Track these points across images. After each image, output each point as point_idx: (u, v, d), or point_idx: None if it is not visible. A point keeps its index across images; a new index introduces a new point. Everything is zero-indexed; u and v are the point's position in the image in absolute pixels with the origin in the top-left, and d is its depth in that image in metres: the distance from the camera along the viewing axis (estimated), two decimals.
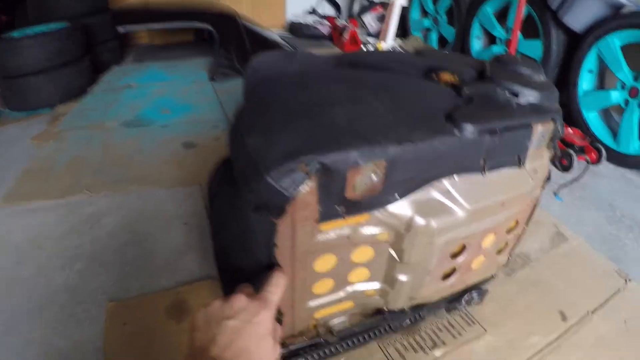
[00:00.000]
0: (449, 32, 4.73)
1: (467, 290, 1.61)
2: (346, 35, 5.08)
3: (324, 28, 5.58)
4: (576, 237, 2.23)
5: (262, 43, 4.19)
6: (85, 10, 4.18)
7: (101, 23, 4.33)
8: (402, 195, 1.08)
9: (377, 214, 1.09)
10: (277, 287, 1.00)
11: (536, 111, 1.23)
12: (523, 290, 1.87)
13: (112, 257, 2.04)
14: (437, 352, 1.59)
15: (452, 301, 1.62)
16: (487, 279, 1.66)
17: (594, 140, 3.05)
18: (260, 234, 1.02)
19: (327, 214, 1.01)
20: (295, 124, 1.03)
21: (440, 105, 1.17)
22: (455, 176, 1.15)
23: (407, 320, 1.56)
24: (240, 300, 0.91)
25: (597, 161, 2.89)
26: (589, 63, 3.22)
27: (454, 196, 1.15)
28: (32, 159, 2.89)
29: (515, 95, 1.24)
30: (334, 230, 1.07)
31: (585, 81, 3.28)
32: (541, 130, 1.24)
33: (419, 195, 1.11)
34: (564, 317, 1.76)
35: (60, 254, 2.07)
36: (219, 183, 1.25)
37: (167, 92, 3.95)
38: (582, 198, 2.68)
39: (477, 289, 1.63)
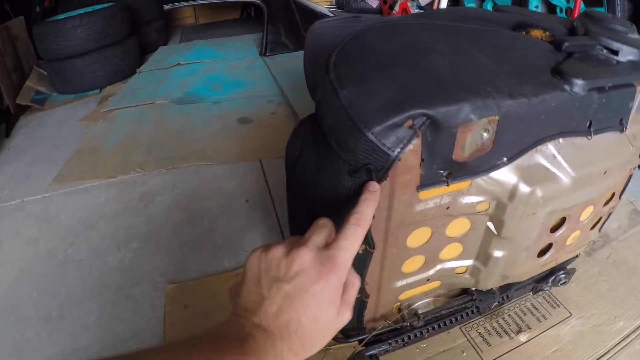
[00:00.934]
0: (505, 2, 4.52)
1: (554, 270, 1.50)
2: (397, 8, 4.96)
3: (373, 1, 5.45)
4: None
5: (312, 17, 4.10)
6: None
7: (146, 2, 4.30)
8: (510, 158, 0.97)
9: (480, 180, 0.98)
10: (352, 241, 0.77)
11: (638, 69, 1.10)
12: (605, 271, 1.75)
13: (168, 236, 1.98)
14: (522, 337, 1.48)
15: (540, 281, 1.51)
16: (571, 259, 1.55)
17: None
18: (354, 202, 0.91)
19: (429, 180, 0.91)
20: (395, 73, 0.92)
21: (543, 59, 1.06)
22: (560, 139, 1.03)
23: (496, 302, 1.46)
24: (302, 258, 0.72)
25: None
26: None
27: (559, 161, 1.04)
28: (82, 139, 2.87)
29: (615, 52, 1.11)
30: (433, 199, 0.97)
31: None
32: None
33: (523, 160, 1.00)
34: None
35: (114, 234, 2.02)
36: (303, 143, 1.14)
37: (217, 69, 3.89)
38: None
39: (563, 269, 1.52)
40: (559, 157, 1.04)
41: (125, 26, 3.84)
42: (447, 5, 4.64)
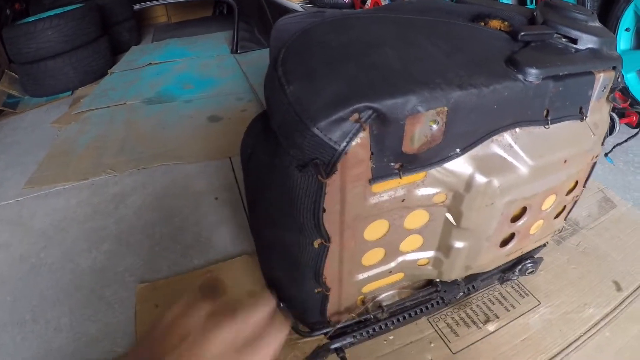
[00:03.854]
0: None
1: (521, 260, 1.50)
2: (369, 3, 4.96)
3: None
4: (624, 203, 2.11)
5: (284, 13, 4.10)
6: None
7: (117, 2, 4.28)
8: (464, 149, 0.97)
9: (435, 172, 0.98)
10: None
11: (597, 57, 1.10)
12: (574, 260, 1.75)
13: (139, 236, 1.98)
14: (491, 327, 1.48)
15: (506, 271, 1.51)
16: (539, 248, 1.56)
17: (634, 102, 2.92)
18: (305, 196, 0.90)
19: (381, 173, 0.90)
20: (341, 67, 0.91)
21: (497, 50, 1.05)
22: (517, 129, 1.03)
23: (461, 292, 1.46)
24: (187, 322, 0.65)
25: (638, 124, 2.75)
26: (626, 21, 3.05)
27: (516, 151, 1.04)
28: (53, 142, 2.85)
29: (574, 41, 1.12)
30: (387, 192, 0.96)
31: (623, 40, 3.11)
32: (603, 79, 1.12)
33: (479, 150, 1.00)
34: (618, 288, 1.64)
35: (85, 236, 2.02)
36: (254, 143, 1.14)
37: (189, 68, 3.89)
38: (626, 162, 2.56)
39: (530, 258, 1.52)
40: (515, 147, 1.04)
41: (96, 27, 3.82)
42: None
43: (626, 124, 2.70)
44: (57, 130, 3.03)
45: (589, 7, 3.19)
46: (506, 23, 1.23)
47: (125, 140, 2.77)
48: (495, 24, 1.24)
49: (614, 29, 3.10)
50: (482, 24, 1.25)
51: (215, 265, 1.77)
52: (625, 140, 2.51)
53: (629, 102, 2.83)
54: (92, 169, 2.49)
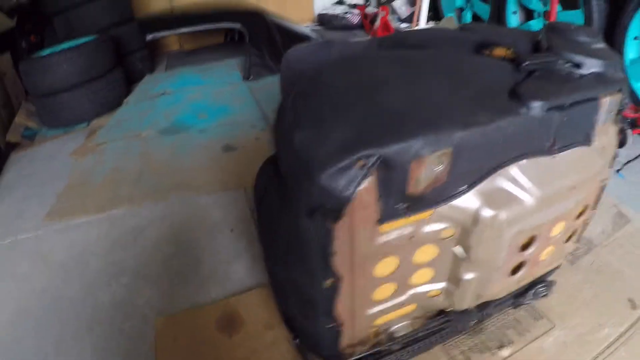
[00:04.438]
0: (483, 10, 4.56)
1: (533, 284, 1.51)
2: (378, 23, 4.99)
3: (354, 17, 5.50)
4: (638, 217, 2.10)
5: (293, 38, 4.13)
6: (111, 22, 4.17)
7: (129, 33, 4.32)
8: (470, 186, 0.99)
9: (441, 208, 0.99)
10: None
11: (602, 82, 1.11)
12: (588, 279, 1.76)
13: (157, 269, 2.00)
14: (505, 352, 1.49)
15: (518, 296, 1.52)
16: (553, 269, 1.56)
17: None
18: (315, 241, 0.93)
19: (388, 214, 0.93)
20: (347, 112, 0.94)
21: (501, 82, 1.07)
22: (523, 160, 1.05)
23: (473, 321, 1.46)
24: None
25: None
26: (634, 30, 3.05)
27: (522, 183, 1.06)
28: (71, 174, 2.88)
29: (578, 66, 1.12)
30: (395, 230, 0.98)
31: (632, 49, 3.11)
32: (609, 103, 1.13)
33: (485, 184, 1.02)
34: (634, 305, 1.64)
35: (105, 269, 2.04)
36: (266, 185, 1.16)
37: (202, 96, 3.92)
38: (639, 174, 2.54)
39: (543, 281, 1.53)
40: (522, 179, 1.06)
41: (110, 58, 3.86)
42: (427, 18, 4.66)
43: (639, 134, 2.69)
44: (75, 162, 3.06)
45: (596, 19, 3.19)
46: (511, 50, 1.24)
47: (142, 171, 2.80)
48: (499, 52, 1.25)
49: (622, 37, 3.10)
50: (487, 52, 1.26)
51: (232, 297, 1.78)
52: (636, 157, 2.51)
53: None
54: (110, 201, 2.52)
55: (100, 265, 2.07)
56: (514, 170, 1.05)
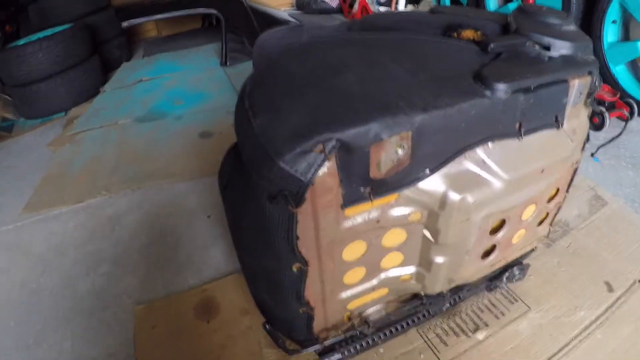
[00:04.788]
0: None
1: (507, 267, 1.51)
2: (356, 7, 4.97)
3: (333, 1, 5.47)
4: (616, 199, 2.12)
5: (271, 22, 4.11)
6: (87, 9, 4.15)
7: (105, 20, 4.31)
8: (433, 169, 0.98)
9: (407, 192, 0.99)
10: None
11: (571, 64, 1.11)
12: (565, 262, 1.76)
13: (135, 258, 2.00)
14: (480, 335, 1.50)
15: (493, 279, 1.52)
16: (528, 253, 1.56)
17: (624, 95, 2.92)
18: (278, 226, 0.92)
19: (351, 198, 0.92)
20: (305, 97, 0.93)
21: (466, 64, 1.06)
22: (489, 144, 1.04)
23: (447, 304, 1.47)
24: None
25: (630, 117, 2.76)
26: (612, 13, 3.05)
27: (489, 166, 1.05)
28: (49, 165, 2.87)
29: (547, 48, 1.12)
30: (360, 214, 0.98)
31: (610, 33, 3.11)
32: (578, 85, 1.12)
33: (451, 168, 1.01)
34: (610, 288, 1.65)
35: (83, 259, 2.04)
36: (230, 172, 1.16)
37: (179, 83, 3.91)
38: (617, 157, 2.55)
39: (518, 264, 1.53)
40: (489, 162, 1.05)
41: (86, 46, 3.84)
42: (406, 0, 4.64)
43: (617, 117, 2.70)
44: (52, 153, 3.05)
45: (574, 2, 3.19)
46: (479, 33, 1.23)
47: (119, 160, 2.80)
48: (467, 34, 1.24)
49: (600, 21, 3.10)
50: (455, 35, 1.25)
51: (209, 284, 1.78)
52: (610, 141, 2.52)
53: (618, 95, 2.84)
54: (87, 191, 2.51)
55: (78, 256, 2.07)
56: (481, 153, 1.04)
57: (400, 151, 0.89)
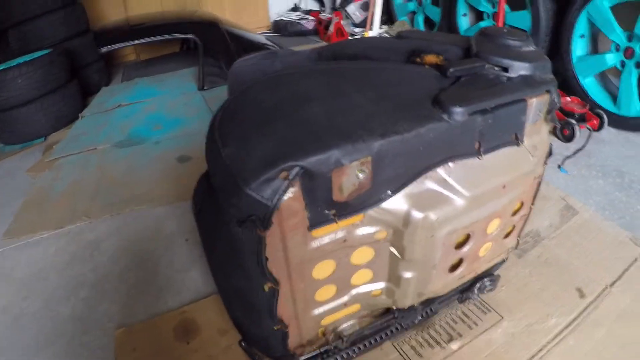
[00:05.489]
0: (435, 13, 4.65)
1: (478, 279, 1.55)
2: (332, 28, 5.05)
3: (309, 23, 5.56)
4: (586, 208, 2.17)
5: (248, 46, 4.15)
6: (66, 34, 4.13)
7: (84, 45, 4.28)
8: (395, 190, 1.03)
9: (371, 212, 1.04)
10: None
11: (529, 84, 1.16)
12: (536, 271, 1.82)
13: (115, 282, 2.02)
14: (454, 345, 1.54)
15: (464, 291, 1.57)
16: (498, 264, 1.61)
17: (593, 106, 3.00)
18: (248, 248, 0.97)
19: (317, 220, 0.97)
20: (271, 127, 0.98)
21: (426, 90, 1.11)
22: (450, 163, 1.09)
23: (419, 317, 1.51)
24: None
25: (599, 127, 2.83)
26: (580, 28, 3.14)
27: (451, 184, 1.10)
28: (29, 191, 2.87)
29: (505, 69, 1.18)
30: (327, 235, 1.02)
31: (578, 47, 3.20)
32: (536, 104, 1.18)
33: (413, 187, 1.06)
34: (582, 294, 1.70)
35: (64, 284, 2.05)
36: (203, 198, 1.20)
37: (158, 107, 3.91)
38: (588, 167, 2.61)
39: (488, 276, 1.58)
40: (450, 180, 1.10)
41: (65, 71, 3.83)
42: (381, 22, 4.72)
43: (588, 127, 2.77)
44: (32, 179, 3.05)
45: (543, 19, 3.27)
46: (441, 57, 1.28)
47: (99, 185, 2.81)
48: (430, 59, 1.29)
49: (569, 36, 3.18)
50: (418, 60, 1.30)
51: (188, 305, 1.81)
52: (575, 153, 2.59)
53: (588, 107, 2.91)
54: (67, 216, 2.52)
55: (59, 280, 2.07)
56: (441, 173, 1.09)
57: (361, 175, 0.94)
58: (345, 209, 0.98)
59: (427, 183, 1.08)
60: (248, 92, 1.13)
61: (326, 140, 0.90)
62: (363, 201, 1.00)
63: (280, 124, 0.98)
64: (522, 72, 1.18)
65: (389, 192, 1.02)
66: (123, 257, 2.15)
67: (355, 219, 1.03)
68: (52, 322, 1.86)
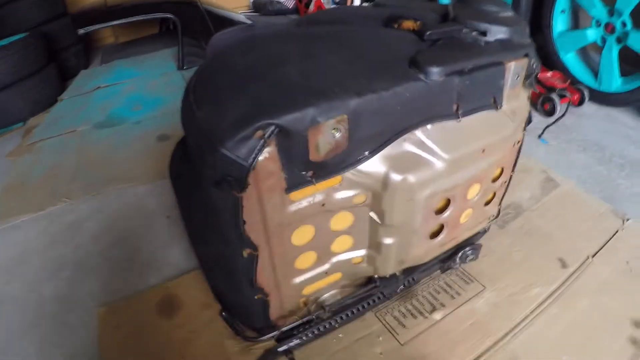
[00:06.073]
0: None
1: (460, 248, 1.55)
2: (312, 7, 5.00)
3: (289, 2, 5.48)
4: (567, 181, 2.18)
5: (228, 25, 4.11)
6: (43, 18, 4.08)
7: (62, 28, 4.24)
8: (372, 151, 1.02)
9: (349, 175, 1.03)
10: None
11: (507, 48, 1.17)
12: (518, 242, 1.82)
13: (97, 261, 2.00)
14: (437, 315, 1.54)
15: (446, 260, 1.57)
16: (480, 234, 1.62)
17: (574, 81, 3.00)
18: (225, 211, 0.96)
19: (294, 181, 0.96)
20: (245, 88, 0.97)
21: (403, 52, 1.10)
22: (428, 125, 1.09)
23: (401, 286, 1.50)
24: None
25: (580, 102, 2.84)
26: (561, 3, 3.13)
27: (429, 147, 1.09)
28: (8, 176, 2.84)
29: (483, 33, 1.17)
30: (305, 198, 1.02)
31: (559, 22, 3.19)
32: (514, 67, 1.18)
33: (391, 149, 1.05)
34: (564, 265, 1.70)
35: (46, 265, 2.03)
36: (178, 166, 1.19)
37: (137, 88, 3.88)
38: (569, 141, 2.62)
39: (470, 245, 1.57)
40: (428, 143, 1.10)
41: (42, 55, 3.78)
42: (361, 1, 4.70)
43: (567, 103, 2.77)
44: (11, 163, 3.02)
45: None
46: (419, 23, 1.27)
47: (79, 167, 2.78)
48: (407, 24, 1.28)
49: (550, 11, 3.17)
50: (396, 26, 1.29)
51: (170, 281, 1.79)
52: (554, 122, 2.60)
53: (569, 82, 2.91)
54: (47, 199, 2.49)
55: (41, 262, 2.06)
56: (420, 135, 1.08)
57: (337, 134, 0.93)
58: (322, 170, 0.97)
59: (406, 145, 1.07)
60: (222, 57, 1.12)
61: (302, 99, 0.89)
62: (340, 162, 0.99)
63: (254, 85, 0.97)
64: (500, 36, 1.18)
65: (367, 153, 1.01)
66: (104, 236, 2.14)
67: (333, 181, 1.02)
68: (35, 303, 1.85)
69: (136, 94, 3.71)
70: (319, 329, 1.39)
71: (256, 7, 5.61)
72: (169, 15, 4.27)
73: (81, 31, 4.12)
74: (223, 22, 4.19)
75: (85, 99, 3.77)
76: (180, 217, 2.09)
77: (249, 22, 4.38)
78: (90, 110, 3.52)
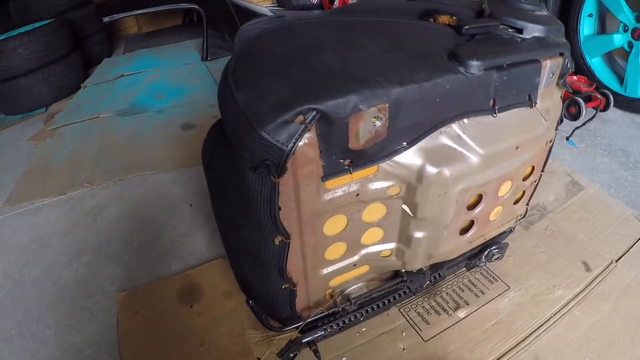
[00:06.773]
0: None
1: (486, 246, 1.54)
2: (337, 2, 4.98)
3: None
4: (592, 185, 2.16)
5: (252, 17, 4.11)
6: (69, 5, 4.12)
7: (86, 16, 4.27)
8: (410, 142, 1.01)
9: (385, 165, 1.02)
10: None
11: (543, 45, 1.15)
12: (543, 243, 1.80)
13: (118, 247, 2.01)
14: (461, 313, 1.53)
15: (472, 258, 1.55)
16: (506, 234, 1.60)
17: (599, 86, 2.97)
18: (261, 196, 0.95)
19: (331, 170, 0.95)
20: (285, 72, 0.96)
21: (441, 45, 1.09)
22: (464, 119, 1.08)
23: (427, 281, 1.49)
24: None
25: (605, 108, 2.81)
26: (588, 7, 3.11)
27: (465, 141, 1.08)
28: (30, 159, 2.86)
29: (520, 31, 1.17)
30: (340, 187, 1.01)
31: (586, 26, 3.17)
32: (550, 66, 1.17)
33: (427, 142, 1.04)
34: (587, 268, 1.69)
35: (66, 250, 2.04)
36: (213, 147, 1.18)
37: (161, 78, 3.90)
38: (594, 145, 2.60)
39: (496, 244, 1.56)
40: (464, 137, 1.08)
41: (67, 42, 3.81)
42: None
43: (593, 107, 2.74)
44: (33, 147, 3.04)
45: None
46: (454, 18, 1.27)
47: (101, 153, 2.80)
48: (443, 19, 1.27)
49: (576, 15, 3.14)
50: (431, 20, 1.28)
51: (192, 269, 1.80)
52: (584, 124, 2.57)
53: (594, 86, 2.88)
54: (69, 183, 2.51)
55: (61, 246, 2.07)
56: (456, 128, 1.07)
57: (377, 122, 0.92)
58: (360, 159, 0.96)
59: (442, 139, 1.06)
60: (260, 41, 1.11)
61: (343, 86, 0.88)
62: (378, 151, 0.98)
63: (294, 69, 0.96)
64: (536, 34, 1.17)
65: (405, 143, 1.00)
66: (126, 222, 2.14)
67: (369, 171, 1.01)
68: (54, 286, 1.86)
69: (159, 83, 3.73)
70: (343, 322, 1.38)
71: (280, 2, 5.60)
72: (194, 6, 4.28)
73: (106, 19, 4.14)
74: (248, 14, 4.19)
75: (109, 86, 3.80)
76: (202, 206, 2.10)
77: (273, 15, 4.37)
78: (113, 98, 3.54)
